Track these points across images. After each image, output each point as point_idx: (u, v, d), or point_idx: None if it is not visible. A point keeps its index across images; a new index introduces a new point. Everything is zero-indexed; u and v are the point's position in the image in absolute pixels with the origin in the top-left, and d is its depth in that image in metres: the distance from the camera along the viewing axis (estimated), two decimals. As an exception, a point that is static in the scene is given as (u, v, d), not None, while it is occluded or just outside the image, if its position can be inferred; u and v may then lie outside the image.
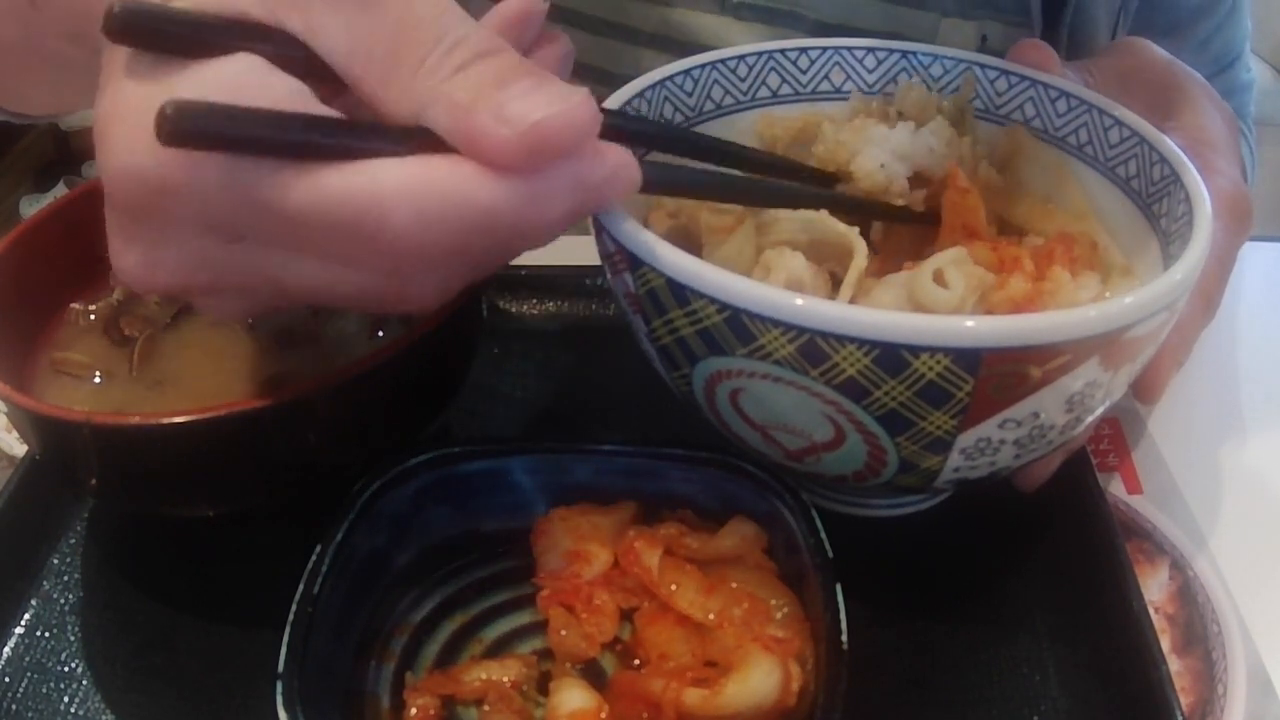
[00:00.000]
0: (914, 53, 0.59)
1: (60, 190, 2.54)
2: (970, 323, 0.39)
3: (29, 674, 0.48)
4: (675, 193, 0.50)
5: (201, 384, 0.53)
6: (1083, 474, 0.54)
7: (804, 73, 0.59)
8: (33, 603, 0.51)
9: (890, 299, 0.47)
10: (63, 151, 2.67)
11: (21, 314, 0.54)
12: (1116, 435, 0.62)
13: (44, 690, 0.47)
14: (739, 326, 0.41)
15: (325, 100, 0.37)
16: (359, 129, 0.35)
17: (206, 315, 0.41)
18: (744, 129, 0.59)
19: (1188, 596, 0.53)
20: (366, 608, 0.46)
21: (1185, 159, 0.49)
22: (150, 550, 0.53)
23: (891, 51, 0.59)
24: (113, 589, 0.51)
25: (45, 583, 0.52)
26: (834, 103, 0.60)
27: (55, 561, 0.53)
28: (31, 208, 2.57)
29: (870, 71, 0.59)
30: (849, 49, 0.59)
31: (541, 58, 0.44)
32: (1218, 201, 0.48)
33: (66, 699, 0.47)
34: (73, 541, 0.54)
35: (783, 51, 0.59)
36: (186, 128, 0.33)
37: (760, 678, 0.42)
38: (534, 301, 0.68)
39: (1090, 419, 0.45)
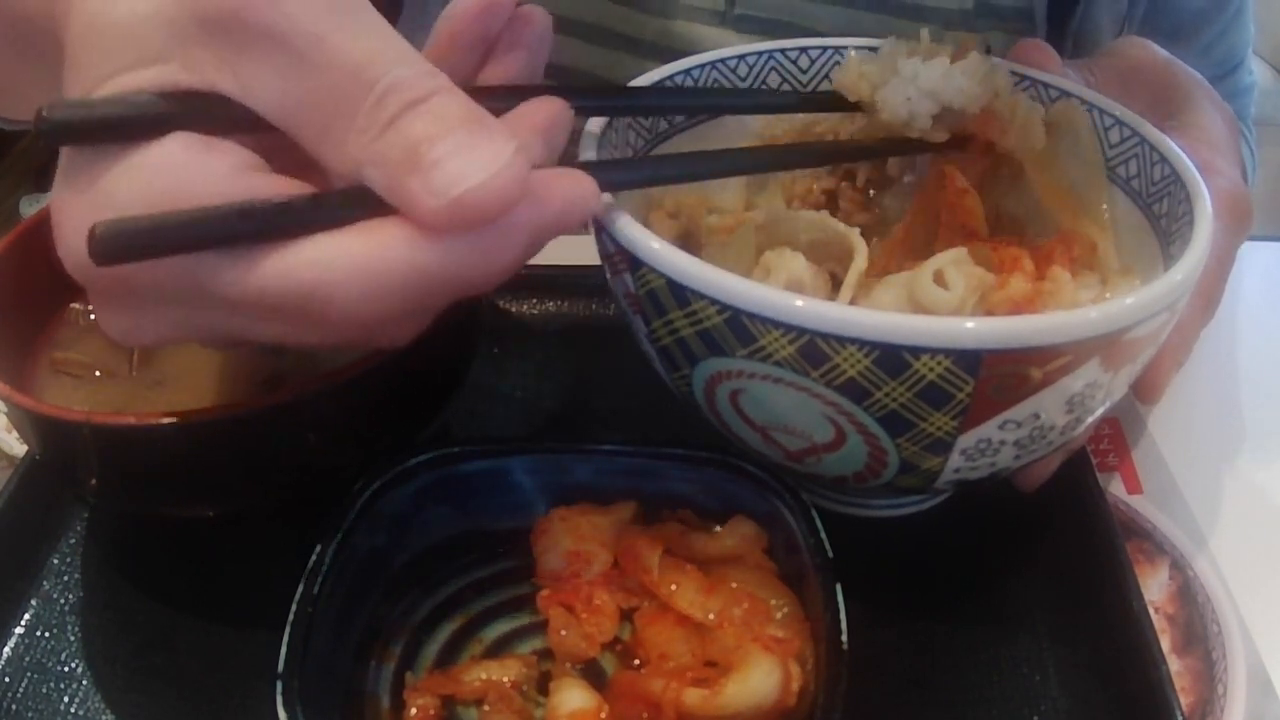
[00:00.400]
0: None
1: (60, 189, 2.53)
2: (970, 324, 0.39)
3: (29, 674, 0.48)
4: (648, 184, 0.50)
5: (201, 384, 0.53)
6: (1083, 474, 0.54)
7: (804, 73, 0.59)
8: (33, 603, 0.51)
9: (890, 300, 0.47)
10: (63, 150, 2.67)
11: (21, 314, 0.54)
12: (1117, 435, 0.62)
13: (44, 690, 0.47)
14: (739, 327, 0.41)
15: (283, 149, 0.36)
16: (295, 205, 0.35)
17: (205, 346, 0.42)
18: (746, 129, 0.59)
19: (1188, 596, 0.53)
20: (366, 608, 0.46)
21: (1186, 159, 0.49)
22: (150, 550, 0.53)
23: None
24: (113, 589, 0.51)
25: (45, 583, 0.52)
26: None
27: (55, 561, 0.53)
28: (31, 208, 2.56)
29: (870, 71, 0.59)
30: (849, 49, 0.59)
31: (514, 39, 0.43)
32: (1218, 201, 0.48)
33: (66, 699, 0.47)
34: (73, 541, 0.54)
35: (783, 51, 0.59)
36: (115, 248, 0.33)
37: (760, 678, 0.42)
38: (534, 301, 0.68)
39: (1090, 420, 0.45)
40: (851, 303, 0.47)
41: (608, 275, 0.48)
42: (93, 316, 0.56)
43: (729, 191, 0.59)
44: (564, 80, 0.75)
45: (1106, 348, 0.41)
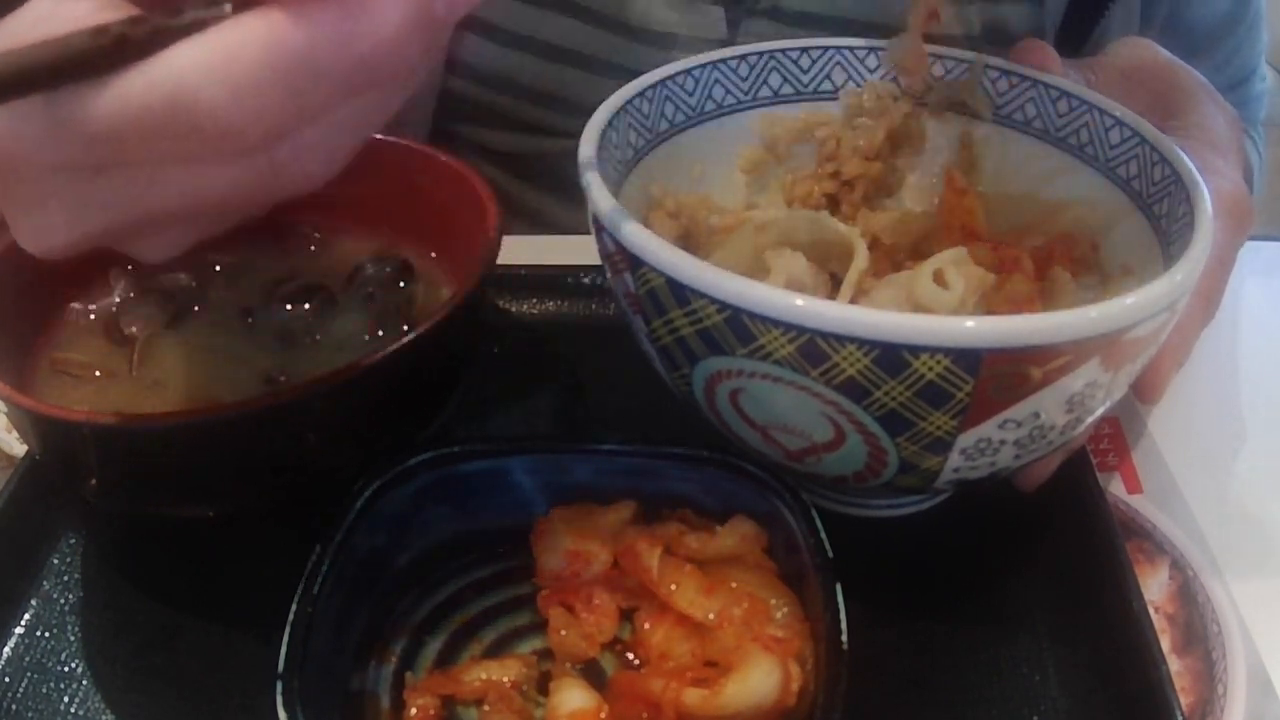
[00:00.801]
0: (914, 52, 0.59)
1: (60, 189, 2.53)
2: (970, 323, 0.39)
3: (29, 674, 0.48)
4: None
5: (201, 383, 0.53)
6: (1083, 474, 0.53)
7: (805, 72, 0.59)
8: (33, 603, 0.51)
9: (890, 299, 0.47)
10: (63, 151, 2.67)
11: (21, 314, 0.54)
12: (1117, 435, 0.62)
13: (44, 690, 0.47)
14: (739, 327, 0.41)
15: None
16: (152, 20, 0.32)
17: (143, 258, 0.39)
18: (745, 128, 0.59)
19: (1188, 596, 0.53)
20: (366, 608, 0.46)
21: (1186, 159, 0.49)
22: (150, 550, 0.53)
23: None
24: (113, 589, 0.51)
25: (45, 583, 0.52)
26: (835, 102, 0.60)
27: (55, 561, 0.53)
28: (32, 207, 2.56)
29: (871, 71, 0.59)
30: (850, 48, 0.59)
31: None
32: (1218, 202, 0.48)
33: (66, 699, 0.47)
34: (73, 541, 0.54)
35: (784, 51, 0.59)
36: None
37: (760, 678, 0.42)
38: (534, 301, 0.68)
39: (1090, 419, 0.45)
40: (851, 302, 0.47)
41: (608, 275, 0.48)
42: (94, 319, 0.56)
43: (729, 191, 0.59)
44: (564, 110, 0.75)
45: (1106, 347, 0.41)
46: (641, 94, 0.55)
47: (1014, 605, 0.50)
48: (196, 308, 0.57)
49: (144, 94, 0.32)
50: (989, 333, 0.39)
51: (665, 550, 0.47)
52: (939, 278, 0.46)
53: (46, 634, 0.49)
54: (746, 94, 0.59)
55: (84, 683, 0.47)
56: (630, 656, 0.46)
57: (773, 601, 0.46)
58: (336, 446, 0.48)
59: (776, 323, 0.40)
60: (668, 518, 0.49)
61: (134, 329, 0.55)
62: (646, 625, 0.46)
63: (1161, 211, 0.50)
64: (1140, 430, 0.62)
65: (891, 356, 0.39)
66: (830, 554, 0.44)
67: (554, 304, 0.68)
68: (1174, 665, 0.49)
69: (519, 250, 0.61)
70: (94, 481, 0.49)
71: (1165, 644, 0.49)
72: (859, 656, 0.40)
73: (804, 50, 0.59)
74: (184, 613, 0.50)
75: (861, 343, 0.39)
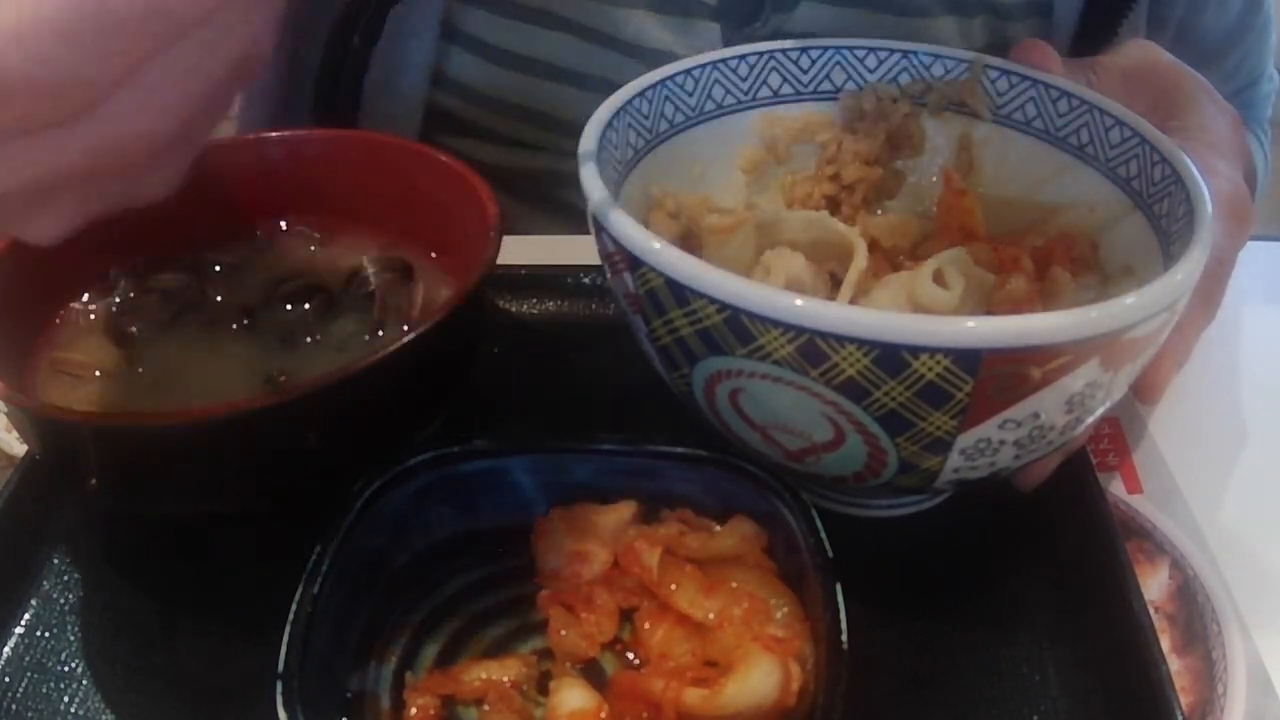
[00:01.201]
0: (915, 52, 0.59)
1: (61, 189, 2.53)
2: (970, 323, 0.39)
3: (29, 674, 0.48)
4: None
5: (201, 384, 0.53)
6: (1083, 474, 0.53)
7: (805, 72, 0.59)
8: (33, 603, 0.51)
9: (890, 299, 0.47)
10: (63, 151, 2.67)
11: (21, 314, 0.54)
12: (1117, 435, 0.62)
13: (44, 690, 0.47)
14: (739, 327, 0.41)
15: None
16: None
17: (34, 239, 0.38)
18: (745, 128, 0.59)
19: (1188, 596, 0.53)
20: (366, 608, 0.46)
21: (1186, 159, 0.49)
22: (150, 550, 0.53)
23: (892, 51, 0.59)
24: (113, 589, 0.51)
25: (45, 583, 0.52)
26: (835, 102, 0.60)
27: (55, 561, 0.53)
28: (32, 207, 2.56)
29: (871, 71, 0.59)
30: (850, 48, 0.59)
31: None
32: (1218, 203, 0.48)
33: (66, 699, 0.47)
34: (73, 541, 0.54)
35: (783, 51, 0.59)
36: None
37: (760, 677, 0.42)
38: (534, 301, 0.68)
39: (1090, 419, 0.45)
40: (851, 302, 0.47)
41: (607, 275, 0.48)
42: (94, 319, 0.56)
43: (729, 191, 0.59)
44: (555, 128, 0.75)
45: (1106, 347, 0.41)
46: (641, 94, 0.55)
47: (1014, 605, 0.50)
48: (196, 308, 0.57)
49: None
50: (989, 333, 0.39)
51: (665, 550, 0.47)
52: (939, 278, 0.46)
53: (46, 634, 0.49)
54: (746, 94, 0.59)
55: (84, 683, 0.47)
56: (630, 656, 0.46)
57: (773, 601, 0.46)
58: (336, 446, 0.48)
59: (776, 323, 0.40)
60: (668, 518, 0.49)
61: (134, 329, 0.55)
62: (646, 625, 0.46)
63: (1162, 211, 0.50)
64: (1140, 430, 0.62)
65: (891, 357, 0.39)
66: (830, 554, 0.44)
67: (554, 304, 0.68)
68: (1174, 665, 0.49)
69: (519, 250, 0.61)
70: (94, 481, 0.49)
71: (1165, 644, 0.49)
72: (859, 656, 0.40)
73: (804, 50, 0.59)
74: (184, 613, 0.50)
75: (861, 343, 0.39)
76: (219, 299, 0.58)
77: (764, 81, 0.59)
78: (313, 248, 0.61)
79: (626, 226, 0.44)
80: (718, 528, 0.48)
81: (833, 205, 0.58)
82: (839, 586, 0.42)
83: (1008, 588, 0.51)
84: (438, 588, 0.49)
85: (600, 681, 0.45)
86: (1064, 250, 0.51)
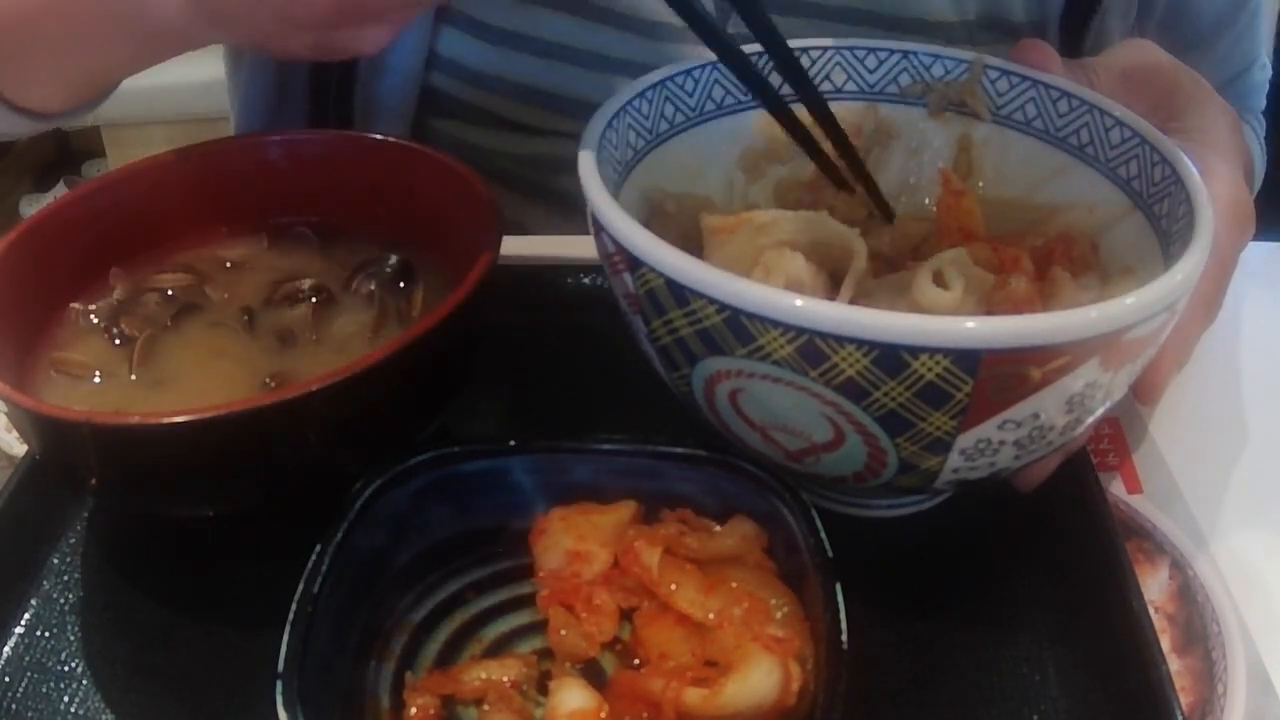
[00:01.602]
0: (915, 53, 0.59)
1: (60, 190, 2.54)
2: (970, 323, 0.39)
3: (29, 674, 0.48)
4: None
5: (201, 384, 0.53)
6: (1083, 474, 0.53)
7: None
8: (33, 602, 0.51)
9: (890, 300, 0.47)
10: (63, 151, 2.67)
11: (21, 314, 0.54)
12: (1117, 435, 0.62)
13: (44, 690, 0.47)
14: (738, 327, 0.41)
15: None
16: None
17: (365, 49, 0.51)
18: (745, 129, 0.59)
19: (1188, 596, 0.53)
20: (366, 607, 0.46)
21: (1186, 160, 0.49)
22: (150, 550, 0.53)
23: (893, 52, 0.59)
24: (113, 589, 0.51)
25: (45, 582, 0.52)
26: (835, 102, 0.60)
27: (55, 561, 0.53)
28: (31, 208, 2.57)
29: (871, 72, 0.59)
30: (850, 48, 0.59)
31: None
32: (1219, 204, 0.48)
33: (66, 699, 0.47)
34: (73, 541, 0.54)
35: (783, 51, 0.59)
36: None
37: (760, 677, 0.42)
38: (534, 301, 0.68)
39: (1090, 420, 0.45)
40: (851, 303, 0.47)
41: (607, 275, 0.48)
42: (94, 319, 0.56)
43: (729, 192, 0.59)
44: (552, 108, 0.75)
45: (1106, 348, 0.41)
46: (641, 94, 0.55)
47: (1014, 605, 0.50)
48: (196, 308, 0.57)
49: None
50: (988, 333, 0.39)
51: (665, 550, 0.47)
52: (939, 278, 0.46)
53: (46, 634, 0.49)
54: (746, 94, 0.59)
55: (84, 682, 0.47)
56: (630, 656, 0.46)
57: (773, 601, 0.46)
58: (336, 446, 0.48)
59: (776, 323, 0.40)
60: (668, 518, 0.49)
61: (134, 329, 0.55)
62: (646, 625, 0.46)
63: (1162, 212, 0.50)
64: (1141, 431, 0.62)
65: (891, 357, 0.39)
66: (830, 554, 0.44)
67: (554, 304, 0.68)
68: (1174, 665, 0.49)
69: (519, 250, 0.61)
70: (94, 481, 0.49)
71: (1165, 644, 0.49)
72: (859, 656, 0.40)
73: (804, 51, 0.59)
74: (184, 613, 0.50)
75: (861, 343, 0.39)
76: (219, 299, 0.58)
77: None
78: (313, 248, 0.61)
79: (626, 227, 0.44)
80: (718, 528, 0.48)
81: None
82: (839, 586, 0.42)
83: (1008, 588, 0.51)
84: (438, 588, 0.49)
85: (600, 681, 0.45)
86: (1064, 250, 0.51)
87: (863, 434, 0.43)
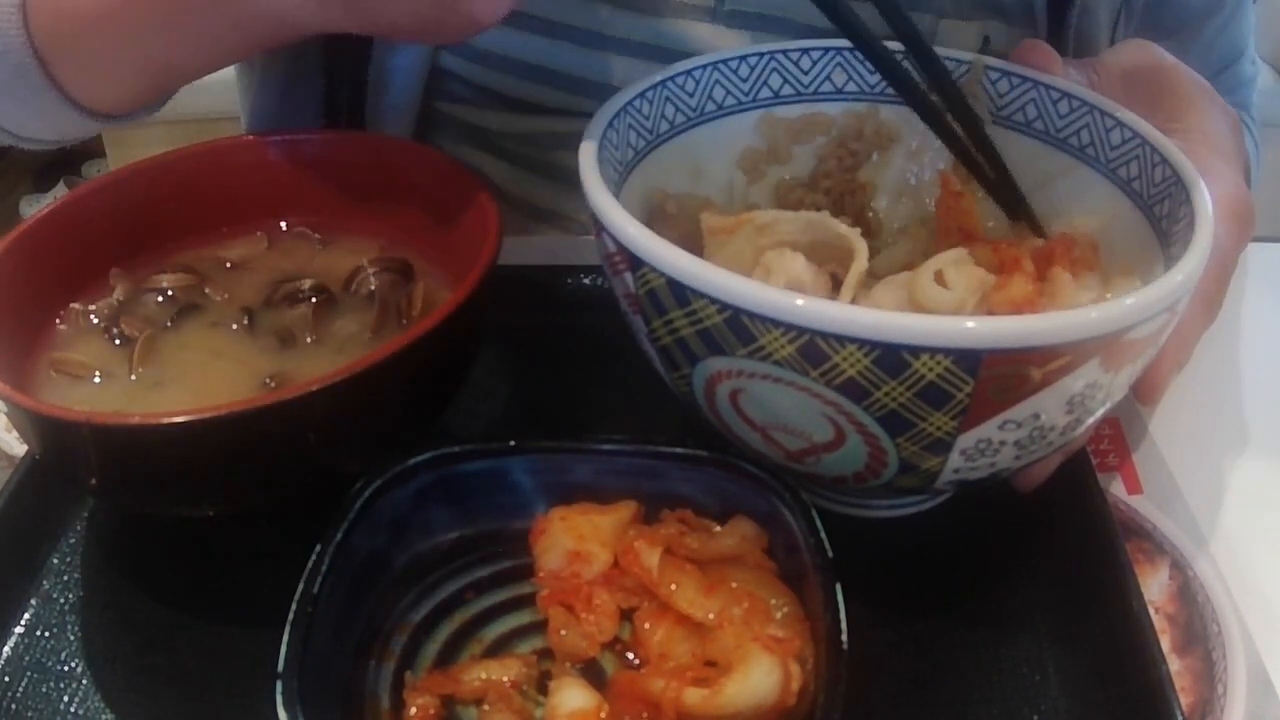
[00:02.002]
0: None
1: (60, 190, 2.54)
2: (971, 324, 0.39)
3: (29, 673, 0.48)
4: None
5: (201, 384, 0.53)
6: (1083, 474, 0.54)
7: (805, 73, 0.59)
8: (33, 602, 0.51)
9: (891, 300, 0.47)
10: (63, 151, 2.67)
11: (21, 314, 0.54)
12: (1117, 436, 0.62)
13: (44, 690, 0.47)
14: (739, 327, 0.41)
15: None
16: None
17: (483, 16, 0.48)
18: (745, 129, 0.59)
19: (1188, 596, 0.53)
20: (366, 607, 0.46)
21: (1187, 161, 0.49)
22: (150, 550, 0.53)
23: (894, 53, 0.59)
24: (113, 589, 0.51)
25: (45, 582, 0.52)
26: (836, 103, 0.60)
27: (55, 561, 0.53)
28: (31, 208, 2.57)
29: (872, 72, 0.59)
30: (850, 49, 0.59)
31: None
32: (1220, 205, 0.48)
33: (66, 699, 0.47)
34: (73, 541, 0.54)
35: (784, 52, 0.59)
36: None
37: (760, 677, 0.42)
38: (534, 301, 0.68)
39: (1091, 420, 0.45)
40: (852, 303, 0.47)
41: (608, 275, 0.48)
42: (94, 319, 0.56)
43: (730, 192, 0.59)
44: (557, 85, 0.75)
45: (1106, 348, 0.41)
46: (641, 95, 0.55)
47: (1014, 605, 0.50)
48: (197, 308, 0.57)
49: None
50: (989, 333, 0.39)
51: (665, 550, 0.47)
52: (939, 278, 0.46)
53: (46, 634, 0.49)
54: (747, 95, 0.59)
55: (84, 682, 0.47)
56: (630, 656, 0.46)
57: (773, 601, 0.46)
58: (336, 447, 0.48)
59: (777, 323, 0.40)
60: (668, 518, 0.49)
61: (133, 330, 0.55)
62: (646, 625, 0.46)
63: (1162, 212, 0.50)
64: (1141, 431, 0.62)
65: (892, 357, 0.39)
66: (830, 554, 0.44)
67: (554, 304, 0.68)
68: (1174, 665, 0.49)
69: (519, 250, 0.61)
70: (94, 481, 0.49)
71: (1165, 644, 0.49)
72: (859, 656, 0.40)
73: (804, 51, 0.59)
74: (184, 613, 0.50)
75: (862, 343, 0.39)
76: (219, 299, 0.58)
77: (764, 82, 0.59)
78: (313, 248, 0.61)
79: (627, 226, 0.44)
80: (718, 528, 0.48)
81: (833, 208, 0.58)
82: (839, 587, 0.42)
83: (1008, 588, 0.51)
84: (438, 588, 0.49)
85: (600, 681, 0.45)
86: (1064, 251, 0.51)
87: (863, 434, 0.43)
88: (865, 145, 0.60)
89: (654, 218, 0.54)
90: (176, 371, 0.53)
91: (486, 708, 0.44)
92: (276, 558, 0.45)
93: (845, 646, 0.41)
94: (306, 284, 0.57)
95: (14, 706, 0.46)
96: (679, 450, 0.49)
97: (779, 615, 0.45)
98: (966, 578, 0.52)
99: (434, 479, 0.49)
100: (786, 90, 0.59)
